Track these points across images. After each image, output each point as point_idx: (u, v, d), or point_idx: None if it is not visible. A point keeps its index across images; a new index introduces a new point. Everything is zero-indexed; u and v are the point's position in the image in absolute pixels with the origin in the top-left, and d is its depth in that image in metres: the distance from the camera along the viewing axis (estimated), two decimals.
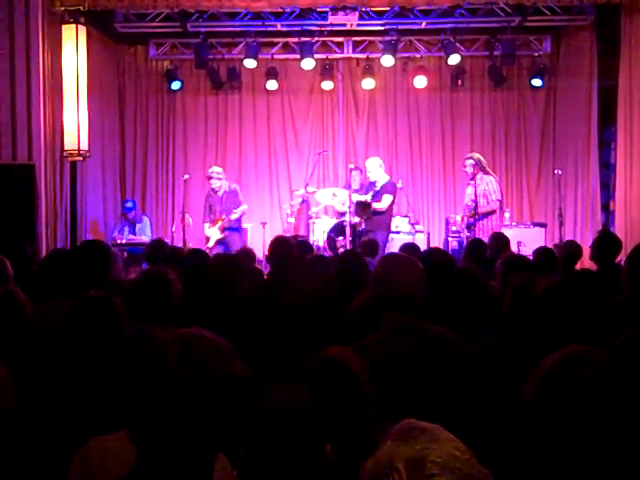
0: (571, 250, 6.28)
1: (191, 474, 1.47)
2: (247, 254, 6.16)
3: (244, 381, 1.51)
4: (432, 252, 4.71)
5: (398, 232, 9.97)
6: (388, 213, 9.45)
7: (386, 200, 9.30)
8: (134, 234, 10.02)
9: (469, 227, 9.03)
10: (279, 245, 5.23)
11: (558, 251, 6.46)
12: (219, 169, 10.03)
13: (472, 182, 9.08)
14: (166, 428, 1.45)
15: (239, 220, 9.83)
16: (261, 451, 1.85)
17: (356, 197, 9.43)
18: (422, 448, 1.06)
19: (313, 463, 1.81)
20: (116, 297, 2.96)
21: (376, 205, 9.24)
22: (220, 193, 9.84)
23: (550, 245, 9.19)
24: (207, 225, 9.94)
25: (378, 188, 9.40)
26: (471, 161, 9.21)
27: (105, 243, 4.49)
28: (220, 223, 9.70)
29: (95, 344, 2.75)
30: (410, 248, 5.76)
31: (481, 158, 9.36)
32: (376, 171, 9.57)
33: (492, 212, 9.13)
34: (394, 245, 9.22)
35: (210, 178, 9.86)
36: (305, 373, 2.15)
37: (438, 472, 1.02)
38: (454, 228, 9.97)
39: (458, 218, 9.72)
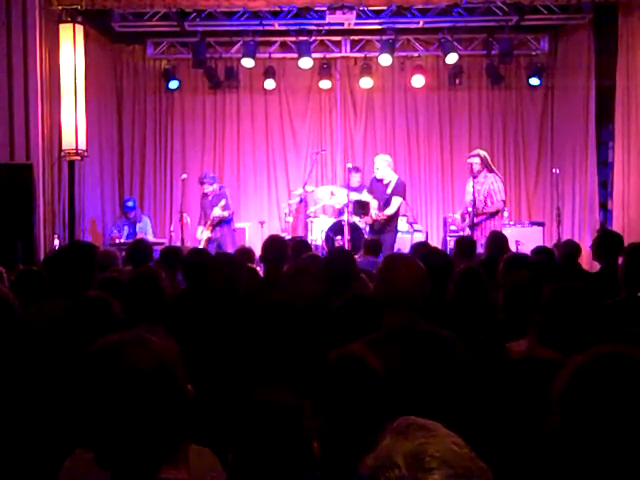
0: (570, 250, 6.28)
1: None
2: (245, 253, 6.16)
3: (172, 365, 1.54)
4: (430, 253, 4.68)
5: (397, 231, 9.95)
6: (396, 214, 9.37)
7: (395, 203, 9.14)
8: (134, 233, 10.02)
9: (472, 227, 8.84)
10: (272, 245, 5.21)
11: (557, 251, 6.46)
12: (212, 174, 10.32)
13: (475, 179, 8.96)
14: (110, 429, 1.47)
15: (229, 219, 9.94)
16: (248, 452, 1.86)
17: (354, 196, 9.42)
18: (421, 443, 1.07)
19: (300, 462, 1.82)
20: (112, 297, 2.96)
21: (386, 212, 9.09)
22: (210, 197, 10.07)
23: (548, 244, 9.19)
24: (200, 229, 10.08)
25: (389, 191, 9.20)
26: (477, 159, 9.03)
27: (91, 244, 4.47)
28: (208, 222, 9.87)
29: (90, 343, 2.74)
30: (420, 246, 5.81)
31: (487, 156, 9.22)
32: (384, 169, 9.37)
33: (496, 213, 9.03)
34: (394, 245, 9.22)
35: (203, 183, 10.02)
36: (322, 369, 2.15)
37: (437, 466, 1.03)
38: (453, 227, 9.94)
39: (457, 216, 9.63)
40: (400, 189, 9.31)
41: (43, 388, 2.67)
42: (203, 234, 10.01)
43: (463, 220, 9.21)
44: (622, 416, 1.47)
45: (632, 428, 1.47)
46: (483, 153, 9.22)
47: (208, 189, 10.05)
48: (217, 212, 9.80)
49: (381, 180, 9.35)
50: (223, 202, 9.86)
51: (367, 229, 9.22)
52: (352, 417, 1.90)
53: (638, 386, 1.54)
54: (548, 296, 2.83)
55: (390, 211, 9.12)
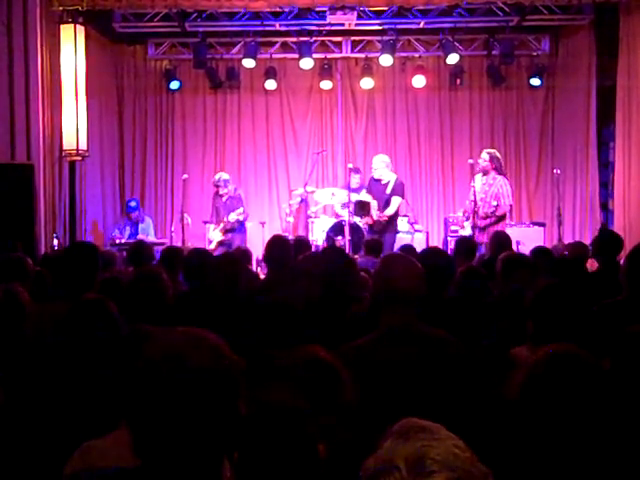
0: (580, 252, 6.25)
1: (198, 475, 1.47)
2: (243, 254, 6.16)
3: (238, 377, 1.51)
4: (430, 252, 4.66)
5: (397, 231, 9.94)
6: (395, 214, 9.35)
7: (394, 203, 9.11)
8: (136, 234, 10.00)
9: (482, 229, 8.71)
10: (275, 245, 5.20)
11: (567, 252, 6.43)
12: (226, 176, 10.13)
13: (483, 177, 8.86)
14: (164, 428, 1.44)
15: (241, 222, 9.86)
16: (254, 452, 1.85)
17: (355, 197, 9.41)
18: (422, 446, 1.06)
19: (307, 463, 1.82)
20: (109, 299, 2.95)
21: (387, 212, 9.05)
22: (225, 198, 9.97)
23: (549, 245, 9.17)
24: (212, 227, 10.02)
25: (389, 191, 9.15)
26: (486, 156, 8.92)
27: (94, 245, 4.47)
28: (222, 225, 9.80)
29: (91, 346, 2.74)
30: (407, 250, 5.76)
31: (499, 157, 9.08)
32: (382, 169, 9.30)
33: (503, 217, 8.94)
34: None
35: (217, 186, 9.95)
36: (280, 370, 2.17)
37: (438, 469, 1.02)
38: (454, 227, 9.92)
39: (459, 214, 9.54)
40: (399, 189, 9.27)
41: (47, 387, 2.68)
42: (215, 234, 9.93)
43: (467, 219, 9.12)
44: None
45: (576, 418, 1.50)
46: (496, 154, 9.07)
47: (223, 191, 9.96)
48: (233, 218, 9.69)
49: (379, 180, 9.30)
50: (241, 209, 9.78)
51: (367, 229, 9.20)
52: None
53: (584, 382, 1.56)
54: (531, 301, 2.83)
55: (390, 211, 9.09)
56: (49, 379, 2.73)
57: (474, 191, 8.67)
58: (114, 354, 2.67)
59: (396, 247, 9.04)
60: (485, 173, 8.92)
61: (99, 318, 2.81)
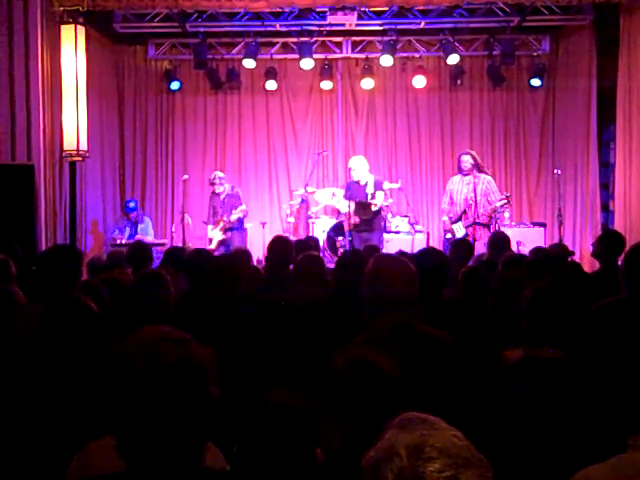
0: (559, 252, 6.25)
1: (180, 468, 1.50)
2: (243, 254, 6.16)
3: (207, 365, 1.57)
4: (426, 252, 4.66)
5: (398, 232, 9.96)
6: (382, 212, 9.47)
7: (379, 197, 9.25)
8: (136, 234, 10.02)
9: (485, 225, 8.93)
10: (277, 245, 5.23)
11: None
12: (221, 174, 10.15)
13: (465, 178, 9.15)
14: (144, 429, 1.48)
15: (241, 221, 9.88)
16: (253, 449, 1.87)
17: None
18: (422, 435, 1.09)
19: (303, 464, 1.83)
20: (88, 299, 2.94)
21: (376, 201, 9.18)
22: (222, 196, 9.96)
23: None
24: (210, 227, 10.03)
25: (371, 188, 9.27)
26: (468, 157, 9.22)
27: (76, 249, 4.47)
28: (221, 224, 9.80)
29: (68, 346, 2.73)
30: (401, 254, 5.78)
31: (477, 156, 9.37)
32: (362, 170, 9.44)
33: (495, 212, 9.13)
34: (393, 246, 9.21)
35: (213, 184, 9.95)
36: (333, 372, 2.17)
37: (436, 455, 1.05)
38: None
39: (445, 218, 9.59)
40: (380, 185, 9.40)
41: (32, 387, 2.67)
42: (215, 233, 9.94)
43: (454, 222, 9.28)
44: None
45: None
46: (473, 153, 9.36)
47: (219, 189, 9.97)
48: (235, 217, 9.70)
49: (358, 182, 9.40)
50: (243, 207, 9.76)
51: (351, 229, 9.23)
52: (367, 420, 1.93)
53: None
54: (530, 300, 2.82)
55: (379, 202, 9.18)
56: (31, 377, 2.72)
57: (456, 191, 9.02)
58: (90, 355, 2.67)
59: (394, 248, 9.11)
60: (467, 174, 9.20)
61: (78, 318, 2.79)
